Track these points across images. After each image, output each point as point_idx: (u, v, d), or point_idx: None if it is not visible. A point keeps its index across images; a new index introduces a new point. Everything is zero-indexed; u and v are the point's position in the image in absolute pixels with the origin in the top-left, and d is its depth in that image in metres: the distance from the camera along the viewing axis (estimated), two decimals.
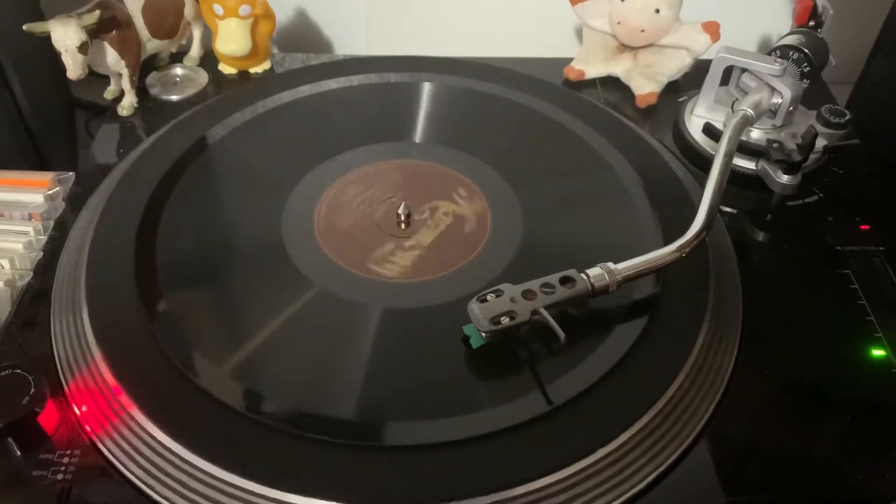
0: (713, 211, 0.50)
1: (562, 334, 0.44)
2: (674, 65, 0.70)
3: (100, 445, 0.43)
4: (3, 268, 0.53)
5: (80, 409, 0.45)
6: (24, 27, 0.59)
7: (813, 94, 0.66)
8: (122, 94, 0.68)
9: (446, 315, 0.48)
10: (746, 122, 0.57)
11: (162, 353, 0.46)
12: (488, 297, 0.45)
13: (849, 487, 0.43)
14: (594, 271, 0.47)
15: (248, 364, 0.46)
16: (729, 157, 0.53)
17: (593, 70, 0.73)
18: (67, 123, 0.75)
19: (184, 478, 0.41)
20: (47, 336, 0.49)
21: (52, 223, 0.57)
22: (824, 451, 0.45)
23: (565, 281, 0.46)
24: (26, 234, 0.56)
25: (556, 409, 0.43)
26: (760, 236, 0.58)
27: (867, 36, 0.70)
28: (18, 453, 0.43)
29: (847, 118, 0.60)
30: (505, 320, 0.44)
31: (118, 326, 0.47)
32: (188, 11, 0.71)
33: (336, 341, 0.48)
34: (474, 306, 0.45)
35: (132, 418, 0.43)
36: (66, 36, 0.59)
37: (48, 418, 0.44)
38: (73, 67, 0.60)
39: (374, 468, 0.41)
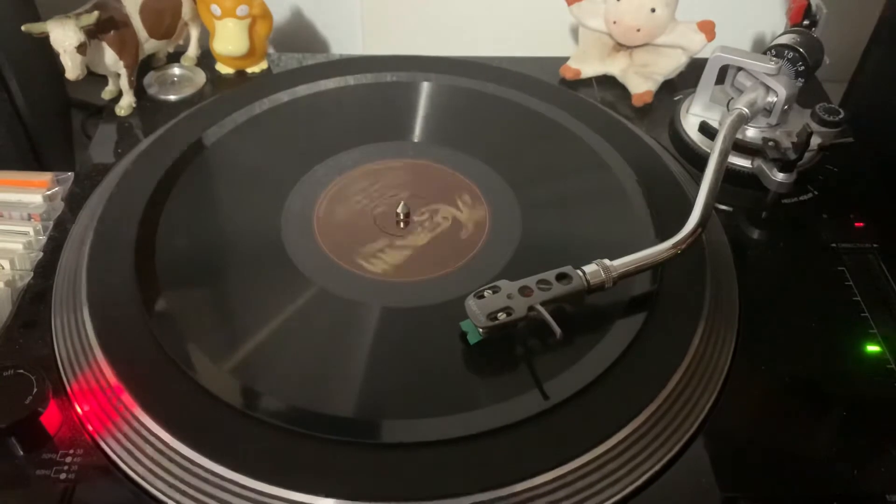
0: (708, 208, 0.50)
1: (558, 330, 0.44)
2: (669, 64, 0.71)
3: (102, 444, 0.44)
4: (3, 268, 0.53)
5: (81, 408, 0.45)
6: (23, 28, 0.59)
7: (807, 93, 0.66)
8: (119, 94, 0.68)
9: (445, 313, 0.49)
10: (742, 121, 0.57)
11: (163, 351, 0.46)
12: (485, 294, 0.46)
13: (845, 482, 0.44)
14: (590, 268, 0.47)
15: (249, 362, 0.47)
16: (724, 154, 0.54)
17: (589, 69, 0.73)
18: (64, 124, 0.75)
19: (185, 475, 0.41)
20: (48, 336, 0.49)
21: (51, 223, 0.57)
22: (820, 446, 0.45)
23: (562, 277, 0.47)
24: (26, 234, 0.56)
25: (555, 406, 0.44)
26: (756, 234, 0.58)
27: (861, 34, 0.71)
28: (21, 453, 0.43)
29: (841, 116, 0.61)
30: (502, 316, 0.45)
31: (119, 326, 0.47)
32: (186, 12, 0.71)
33: (335, 340, 0.48)
34: (471, 302, 0.46)
35: (134, 417, 0.43)
36: (64, 36, 0.59)
37: (50, 418, 0.44)
38: (72, 68, 0.61)
39: (372, 465, 0.41)
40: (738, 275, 0.54)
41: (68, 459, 0.43)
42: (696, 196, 0.51)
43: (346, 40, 0.85)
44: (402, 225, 0.55)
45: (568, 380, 0.45)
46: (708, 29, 0.68)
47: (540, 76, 0.70)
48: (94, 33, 0.62)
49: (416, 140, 0.63)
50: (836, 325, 0.52)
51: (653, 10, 0.68)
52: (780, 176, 0.58)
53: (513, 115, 0.65)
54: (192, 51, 0.74)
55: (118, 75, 0.67)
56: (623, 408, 0.44)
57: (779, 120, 0.60)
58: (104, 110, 0.69)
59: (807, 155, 0.59)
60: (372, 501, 0.40)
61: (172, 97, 0.70)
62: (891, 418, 0.47)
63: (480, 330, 0.45)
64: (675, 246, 0.49)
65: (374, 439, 0.43)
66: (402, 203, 0.56)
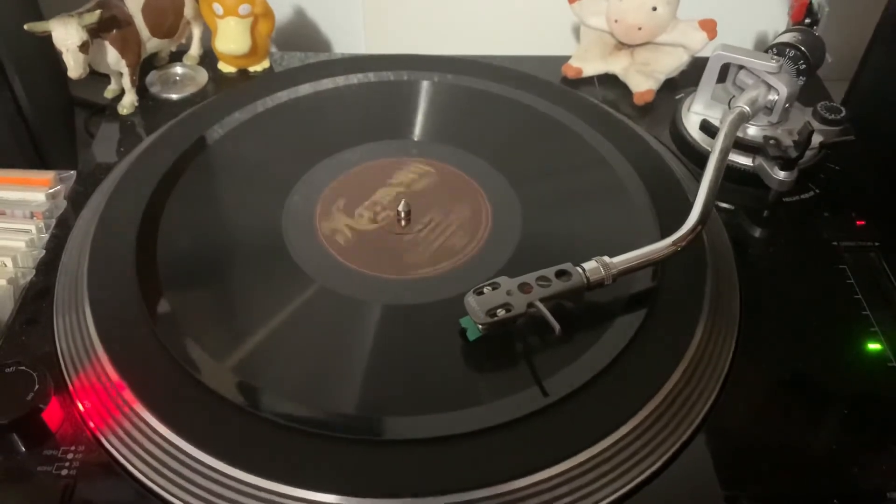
0: (708, 205, 0.50)
1: (557, 326, 0.44)
2: (671, 62, 0.71)
3: (103, 441, 0.44)
4: (5, 266, 0.54)
5: (83, 405, 0.45)
6: (25, 27, 0.59)
7: (809, 91, 0.66)
8: (122, 92, 0.69)
9: (445, 311, 0.49)
10: (743, 119, 0.57)
11: (164, 349, 0.46)
12: (485, 290, 0.46)
13: (845, 480, 0.44)
14: (590, 265, 0.47)
15: (250, 360, 0.47)
16: (725, 152, 0.54)
17: (591, 68, 0.73)
18: (67, 122, 0.75)
19: (186, 472, 0.41)
20: (50, 333, 0.50)
21: (53, 221, 0.57)
22: (821, 444, 0.45)
23: (561, 274, 0.47)
24: (28, 232, 0.56)
25: (554, 402, 0.44)
26: (757, 232, 0.58)
27: (863, 33, 0.70)
28: (23, 449, 0.43)
29: (843, 115, 0.61)
30: (501, 312, 0.45)
31: (120, 323, 0.48)
32: (188, 10, 0.71)
33: (336, 337, 0.48)
34: (471, 299, 0.46)
35: (135, 414, 0.43)
36: (67, 35, 0.59)
37: (52, 415, 0.44)
38: (74, 67, 0.61)
39: (374, 462, 0.41)
40: (739, 272, 0.54)
41: (70, 456, 0.43)
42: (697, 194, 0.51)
43: (348, 39, 0.85)
44: (403, 223, 0.56)
45: (567, 377, 0.45)
46: (709, 27, 0.68)
47: (542, 75, 0.70)
48: (96, 32, 0.62)
49: (417, 139, 0.63)
50: (837, 323, 0.52)
51: (654, 9, 0.68)
52: (781, 174, 0.58)
53: (514, 114, 0.65)
54: (195, 50, 0.74)
55: (120, 74, 0.67)
56: (623, 405, 0.44)
57: (780, 118, 0.60)
58: (107, 109, 0.69)
59: (808, 153, 0.59)
60: (373, 497, 0.40)
61: (174, 96, 0.70)
62: (891, 416, 0.47)
63: (480, 326, 0.45)
64: (675, 243, 0.49)
65: (374, 436, 0.43)
66: (402, 201, 0.56)
